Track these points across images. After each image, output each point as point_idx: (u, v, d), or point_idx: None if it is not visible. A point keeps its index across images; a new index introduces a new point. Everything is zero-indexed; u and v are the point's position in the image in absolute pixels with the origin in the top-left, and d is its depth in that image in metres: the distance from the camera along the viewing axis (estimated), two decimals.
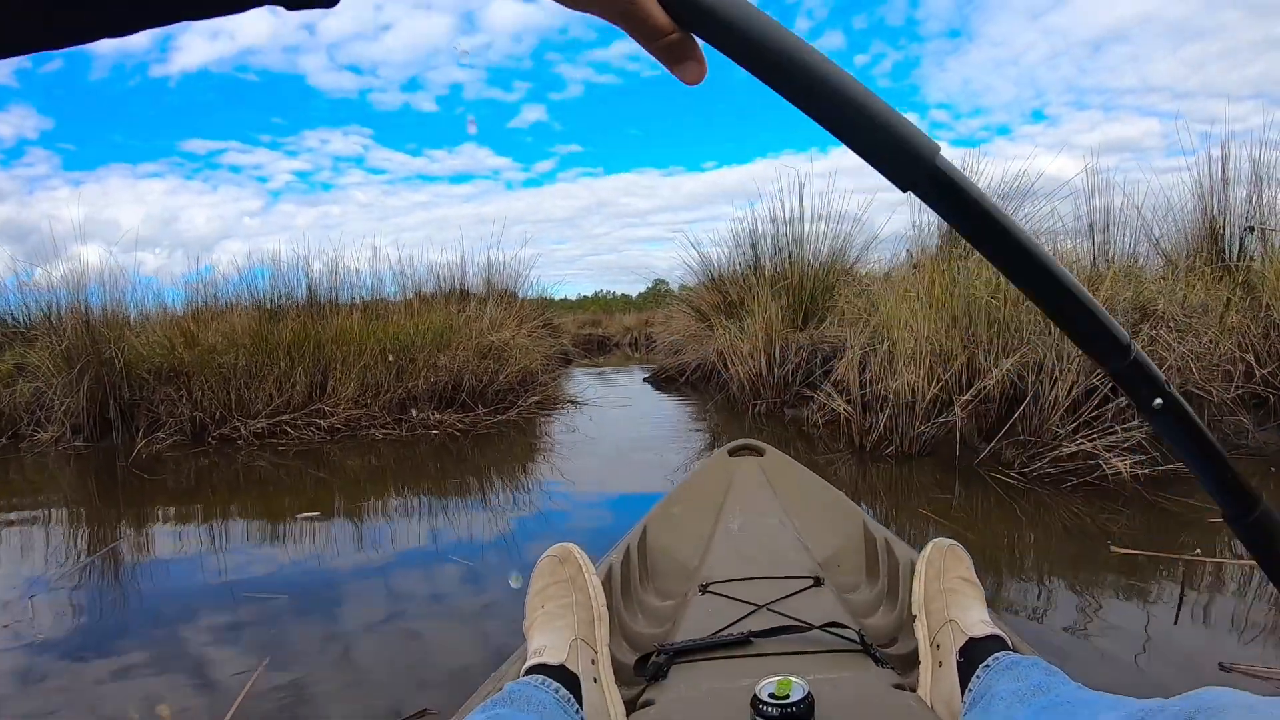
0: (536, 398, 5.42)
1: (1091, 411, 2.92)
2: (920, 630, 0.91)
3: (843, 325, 4.42)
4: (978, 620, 0.85)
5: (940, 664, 0.84)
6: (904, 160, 0.32)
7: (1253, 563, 1.92)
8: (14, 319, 5.52)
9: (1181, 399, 0.39)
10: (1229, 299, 3.44)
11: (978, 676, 0.76)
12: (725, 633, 0.92)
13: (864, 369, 3.79)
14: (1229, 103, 4.49)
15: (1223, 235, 4.27)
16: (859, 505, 1.49)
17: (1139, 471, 2.70)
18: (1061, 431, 2.95)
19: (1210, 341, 3.22)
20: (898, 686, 0.80)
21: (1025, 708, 0.66)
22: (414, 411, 4.81)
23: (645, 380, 7.36)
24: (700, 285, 6.68)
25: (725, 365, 5.31)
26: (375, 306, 5.91)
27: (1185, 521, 2.37)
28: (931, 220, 4.25)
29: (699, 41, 0.31)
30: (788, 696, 0.66)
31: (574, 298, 18.89)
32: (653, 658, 0.88)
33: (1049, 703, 0.65)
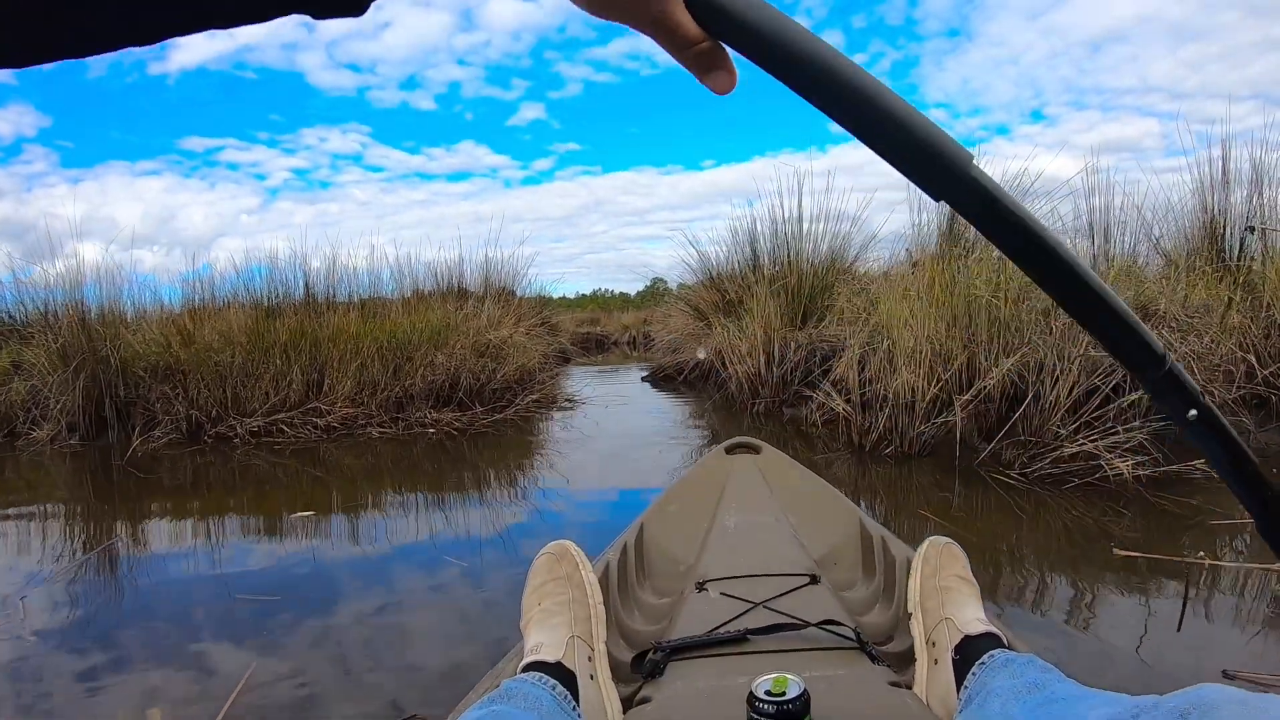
0: (534, 396, 5.41)
1: (1093, 412, 2.91)
2: (916, 628, 0.91)
3: (842, 324, 4.41)
4: (973, 618, 0.85)
5: (936, 661, 0.84)
6: (937, 170, 0.32)
7: (1257, 567, 1.91)
8: (10, 317, 5.50)
9: (1216, 410, 0.38)
10: (1230, 299, 3.43)
11: (973, 674, 0.76)
12: (722, 630, 0.92)
13: (863, 368, 3.77)
14: (1229, 103, 4.47)
15: (1223, 235, 4.26)
16: (854, 501, 1.48)
17: (1141, 472, 2.69)
18: (1062, 432, 2.93)
19: (1211, 341, 3.21)
20: (894, 684, 0.80)
21: (1020, 704, 0.66)
22: (414, 412, 4.79)
23: (643, 379, 7.35)
24: (699, 284, 6.67)
25: (724, 364, 5.29)
26: (373, 305, 5.89)
27: (1187, 523, 2.36)
28: (931, 219, 4.24)
29: (729, 50, 0.31)
30: (784, 693, 0.66)
31: (572, 296, 18.95)
32: (649, 655, 0.88)
33: (1044, 699, 0.65)
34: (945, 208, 0.33)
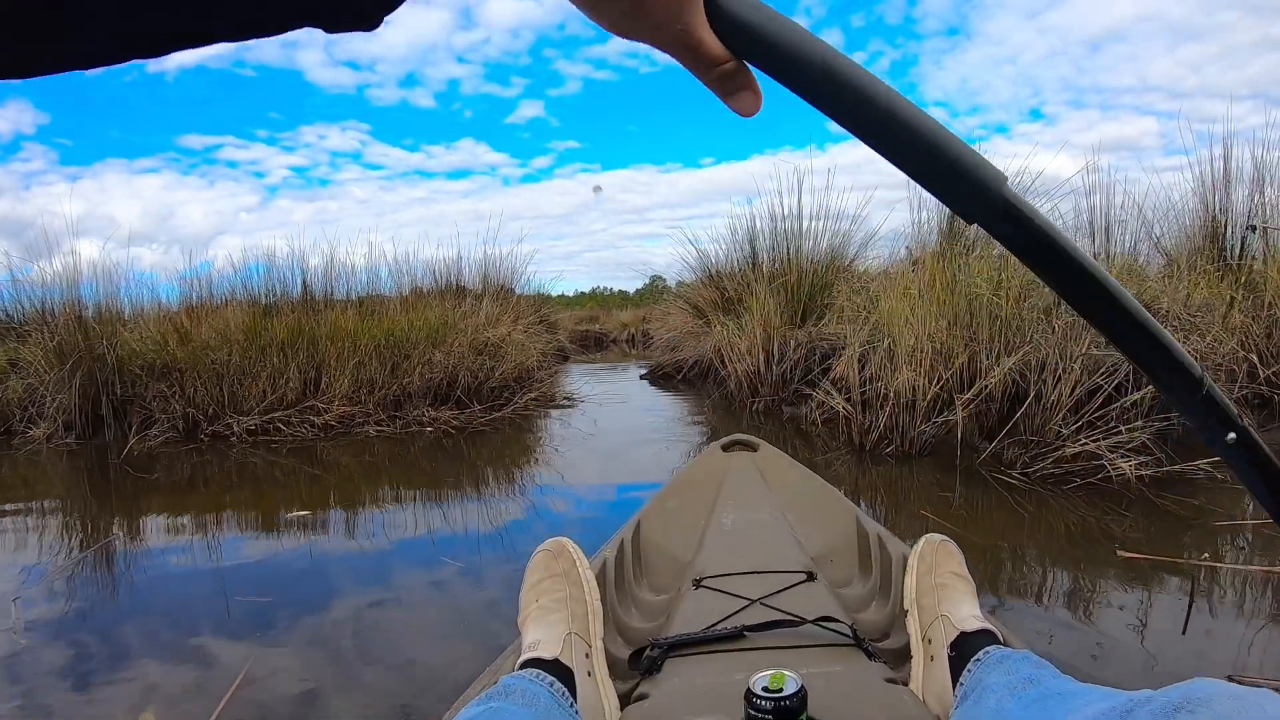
0: (533, 394, 5.40)
1: (1095, 411, 2.90)
2: (912, 625, 0.92)
3: (841, 322, 4.39)
4: (969, 615, 0.86)
5: (932, 658, 0.84)
6: (970, 192, 0.31)
7: (1261, 570, 1.89)
8: (7, 315, 5.48)
9: (1255, 433, 0.37)
10: (1232, 298, 3.42)
11: (969, 670, 0.77)
12: (719, 627, 0.92)
13: (863, 367, 3.75)
14: (1230, 102, 4.46)
15: (1224, 234, 4.25)
16: (854, 501, 1.47)
17: (1143, 473, 2.68)
18: (1065, 431, 2.92)
19: (1214, 341, 3.19)
20: (890, 680, 0.81)
21: (1015, 699, 0.66)
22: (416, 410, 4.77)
23: (642, 377, 7.34)
24: (698, 282, 6.65)
25: (723, 362, 5.28)
26: (371, 302, 5.88)
27: (1190, 524, 2.34)
28: (931, 216, 4.23)
29: (754, 71, 0.30)
30: (781, 690, 0.66)
31: (571, 294, 18.93)
32: (646, 652, 0.89)
33: (1039, 694, 0.65)
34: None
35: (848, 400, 3.74)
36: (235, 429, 4.51)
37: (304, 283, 5.76)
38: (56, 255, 5.12)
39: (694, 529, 1.33)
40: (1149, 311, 0.34)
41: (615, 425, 4.76)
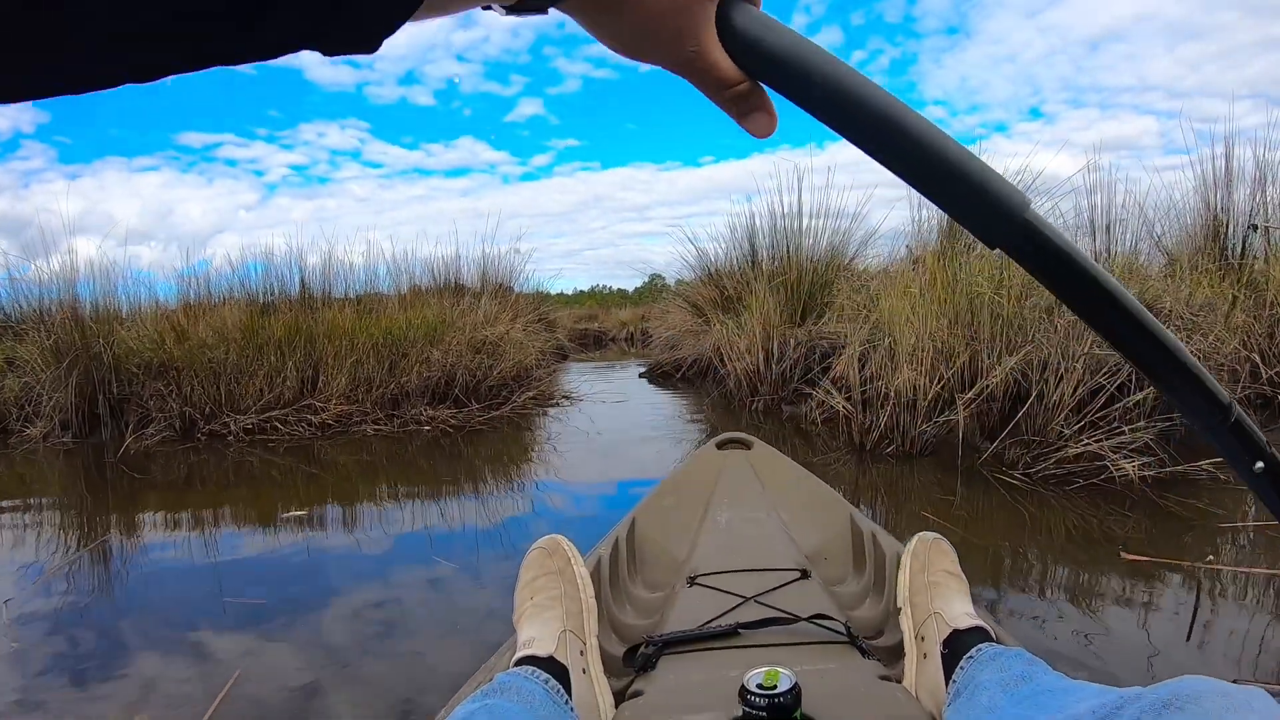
0: (531, 393, 5.38)
1: (1097, 411, 2.88)
2: (905, 622, 0.92)
3: (842, 321, 4.38)
4: (962, 612, 0.86)
5: (925, 655, 0.85)
6: (992, 216, 0.30)
7: (1264, 572, 1.87)
8: (3, 313, 5.46)
9: None
10: (1234, 297, 3.41)
11: (962, 668, 0.77)
12: (713, 624, 0.93)
13: (863, 366, 3.74)
14: (1231, 101, 4.44)
15: (1226, 233, 4.23)
16: (854, 501, 1.46)
17: (1146, 473, 2.66)
18: (1067, 431, 2.90)
19: (1216, 340, 3.18)
20: (884, 678, 0.81)
21: (1008, 696, 0.67)
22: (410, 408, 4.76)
23: (641, 375, 7.33)
24: (697, 280, 6.64)
25: (723, 361, 5.26)
26: (369, 301, 5.87)
27: (1193, 525, 2.33)
28: (931, 215, 4.21)
29: (769, 91, 0.29)
30: (775, 687, 0.67)
31: (570, 292, 18.92)
32: (641, 649, 0.89)
33: (1031, 691, 0.66)
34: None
35: (848, 399, 3.72)
36: (232, 428, 4.50)
37: (302, 281, 5.76)
38: (55, 254, 5.12)
39: (689, 526, 1.33)
40: (1159, 319, 0.33)
41: (614, 424, 4.74)
